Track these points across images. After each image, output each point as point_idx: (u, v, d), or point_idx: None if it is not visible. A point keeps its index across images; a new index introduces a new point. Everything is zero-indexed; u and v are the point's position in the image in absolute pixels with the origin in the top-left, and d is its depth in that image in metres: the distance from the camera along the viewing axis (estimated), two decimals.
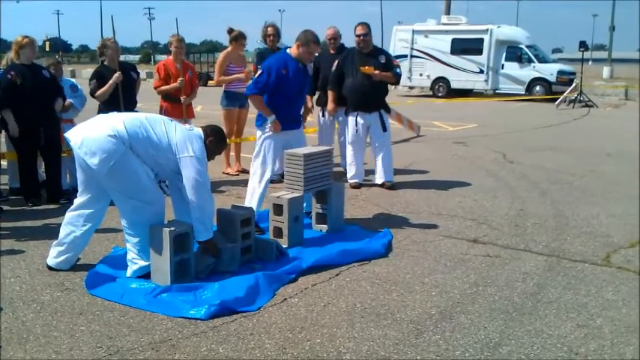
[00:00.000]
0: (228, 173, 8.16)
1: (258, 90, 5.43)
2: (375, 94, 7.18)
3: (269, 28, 7.95)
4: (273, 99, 5.46)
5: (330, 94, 7.45)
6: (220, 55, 7.98)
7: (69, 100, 6.81)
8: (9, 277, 4.38)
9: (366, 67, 7.01)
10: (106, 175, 4.08)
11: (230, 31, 7.77)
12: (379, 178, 7.40)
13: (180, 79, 7.16)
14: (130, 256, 4.32)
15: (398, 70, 7.23)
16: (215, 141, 4.41)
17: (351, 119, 7.31)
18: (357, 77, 7.12)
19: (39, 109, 6.26)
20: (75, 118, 7.04)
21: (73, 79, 7.47)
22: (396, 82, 7.53)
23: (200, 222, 4.21)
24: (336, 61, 7.32)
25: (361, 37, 7.14)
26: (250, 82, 5.73)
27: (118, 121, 4.15)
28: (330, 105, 7.47)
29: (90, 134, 4.11)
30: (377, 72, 6.99)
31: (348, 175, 7.46)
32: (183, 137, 4.20)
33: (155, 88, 7.36)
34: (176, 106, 7.30)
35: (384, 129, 7.27)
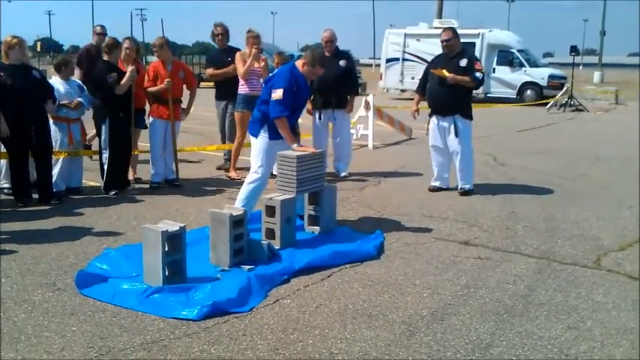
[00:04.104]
0: (230, 177, 8.06)
1: (287, 111, 5.32)
2: (448, 98, 6.98)
3: (217, 28, 7.95)
4: None
5: (415, 96, 7.57)
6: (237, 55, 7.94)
7: (78, 99, 6.84)
8: None
9: (438, 70, 6.92)
10: None
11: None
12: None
13: (167, 80, 7.16)
14: None
15: (478, 75, 6.89)
16: None
17: (431, 122, 7.35)
18: (432, 81, 7.10)
19: (29, 110, 6.24)
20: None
21: (78, 80, 7.49)
22: (475, 87, 7.20)
23: None
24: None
25: (444, 43, 7.06)
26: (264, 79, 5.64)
27: None
28: (413, 106, 7.63)
29: None
30: (450, 75, 6.82)
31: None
32: None
33: (145, 88, 7.38)
34: (163, 106, 7.33)
35: (457, 134, 7.09)
